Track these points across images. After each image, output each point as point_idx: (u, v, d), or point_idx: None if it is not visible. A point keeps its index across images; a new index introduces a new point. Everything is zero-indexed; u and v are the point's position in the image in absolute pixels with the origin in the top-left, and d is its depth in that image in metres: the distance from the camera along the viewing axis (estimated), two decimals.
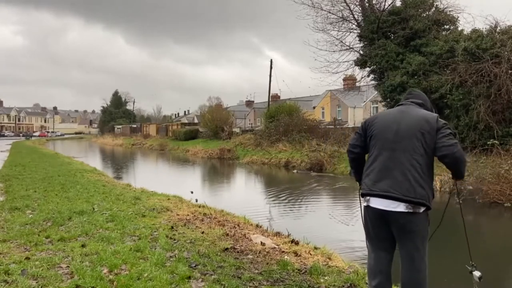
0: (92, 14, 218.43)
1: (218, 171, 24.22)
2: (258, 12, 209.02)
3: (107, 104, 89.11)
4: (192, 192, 9.34)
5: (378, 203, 3.12)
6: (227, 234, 6.16)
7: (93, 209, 7.62)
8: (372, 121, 3.39)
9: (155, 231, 6.17)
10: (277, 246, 5.66)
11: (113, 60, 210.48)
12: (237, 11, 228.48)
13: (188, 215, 7.61)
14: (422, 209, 3.05)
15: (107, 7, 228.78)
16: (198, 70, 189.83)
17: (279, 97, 50.16)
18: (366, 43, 19.86)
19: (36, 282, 4.02)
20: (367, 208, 3.23)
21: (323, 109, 41.06)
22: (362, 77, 21.22)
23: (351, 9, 20.32)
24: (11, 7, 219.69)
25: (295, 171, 21.22)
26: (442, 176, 13.47)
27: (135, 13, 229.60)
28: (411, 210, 3.02)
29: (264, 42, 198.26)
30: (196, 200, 9.11)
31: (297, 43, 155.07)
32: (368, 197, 3.20)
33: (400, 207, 3.03)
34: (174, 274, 4.29)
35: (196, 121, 57.01)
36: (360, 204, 3.52)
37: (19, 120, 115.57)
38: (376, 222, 3.22)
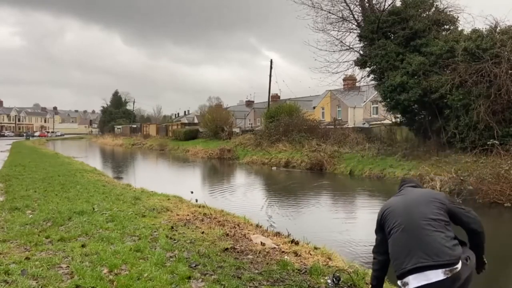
0: (90, 15, 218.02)
1: (218, 171, 24.23)
2: (257, 12, 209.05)
3: (107, 104, 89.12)
4: (192, 192, 9.35)
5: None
6: (227, 234, 6.16)
7: (93, 209, 7.62)
8: (381, 212, 3.49)
9: (155, 231, 6.17)
10: (277, 246, 5.65)
11: (113, 61, 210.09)
12: (235, 12, 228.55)
13: (188, 215, 7.61)
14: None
15: (105, 8, 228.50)
16: (197, 70, 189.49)
17: (279, 97, 50.12)
18: (366, 43, 19.86)
19: (36, 282, 4.02)
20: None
21: (323, 109, 41.04)
22: (362, 77, 21.25)
23: (351, 9, 20.34)
24: (9, 9, 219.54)
25: (274, 168, 22.52)
26: (442, 176, 13.49)
27: (134, 14, 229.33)
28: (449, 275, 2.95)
29: (263, 42, 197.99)
30: (196, 200, 9.11)
31: (296, 44, 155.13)
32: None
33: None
34: (174, 274, 4.28)
35: (196, 121, 56.99)
36: None
37: (19, 120, 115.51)
38: None
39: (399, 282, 3.13)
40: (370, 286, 3.74)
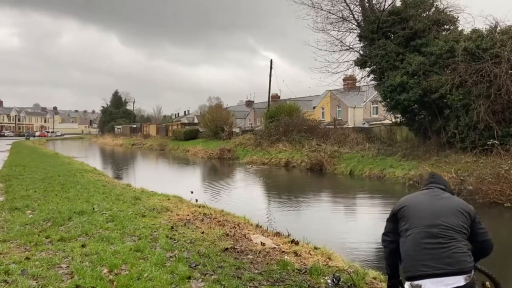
0: (89, 16, 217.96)
1: (218, 171, 24.23)
2: (257, 12, 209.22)
3: (107, 104, 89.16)
4: (192, 192, 9.35)
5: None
6: (227, 234, 6.16)
7: (93, 209, 7.62)
8: (400, 204, 3.36)
9: (155, 231, 6.17)
10: (277, 246, 5.65)
11: (113, 61, 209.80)
12: (235, 12, 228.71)
13: (188, 215, 7.61)
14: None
15: (104, 9, 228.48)
16: (197, 71, 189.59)
17: (279, 97, 50.13)
18: (366, 43, 19.85)
19: (36, 282, 4.02)
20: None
21: (323, 109, 41.03)
22: (362, 77, 21.24)
23: (351, 9, 20.33)
24: (9, 10, 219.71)
25: (249, 165, 23.52)
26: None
27: (133, 14, 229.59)
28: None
29: (262, 42, 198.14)
30: (196, 200, 9.12)
31: (296, 44, 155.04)
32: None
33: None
34: (174, 274, 4.29)
35: (196, 121, 56.98)
36: None
37: (19, 120, 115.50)
38: None
39: (408, 283, 3.05)
40: (387, 276, 3.58)
